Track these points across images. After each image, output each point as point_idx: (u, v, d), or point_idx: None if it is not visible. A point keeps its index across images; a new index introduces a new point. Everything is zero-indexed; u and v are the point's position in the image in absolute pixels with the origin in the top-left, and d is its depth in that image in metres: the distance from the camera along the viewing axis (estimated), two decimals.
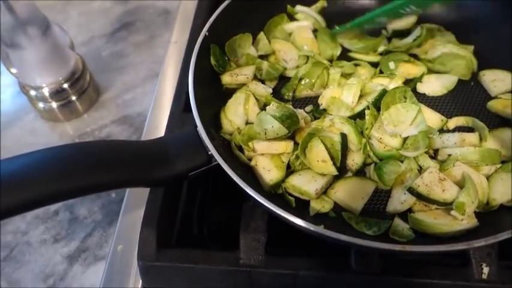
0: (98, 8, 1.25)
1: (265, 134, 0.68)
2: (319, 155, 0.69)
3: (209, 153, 0.63)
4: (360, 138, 0.71)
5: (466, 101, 0.80)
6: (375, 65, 0.85)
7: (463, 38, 0.88)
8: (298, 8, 0.92)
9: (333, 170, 0.68)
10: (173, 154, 0.63)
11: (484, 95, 0.81)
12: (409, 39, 0.86)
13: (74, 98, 0.97)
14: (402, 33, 0.88)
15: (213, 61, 0.79)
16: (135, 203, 0.77)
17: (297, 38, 0.87)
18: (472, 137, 0.72)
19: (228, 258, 0.64)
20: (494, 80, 0.80)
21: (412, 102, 0.72)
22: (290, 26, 0.90)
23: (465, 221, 0.61)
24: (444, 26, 0.90)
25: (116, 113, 1.00)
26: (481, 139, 0.72)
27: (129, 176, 0.60)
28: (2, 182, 0.53)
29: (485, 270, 0.61)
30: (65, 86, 0.95)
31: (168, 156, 0.62)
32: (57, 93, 0.95)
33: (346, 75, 0.82)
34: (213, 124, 0.74)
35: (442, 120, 0.75)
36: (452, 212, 0.62)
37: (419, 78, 0.81)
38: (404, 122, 0.70)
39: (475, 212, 0.64)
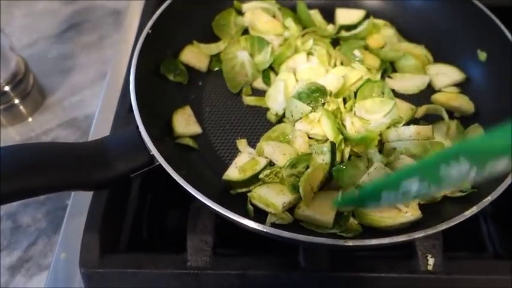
0: (44, 8, 1.20)
1: (292, 116, 0.71)
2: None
3: (151, 153, 0.61)
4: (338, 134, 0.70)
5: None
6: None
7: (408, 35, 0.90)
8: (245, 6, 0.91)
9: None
10: (113, 154, 0.61)
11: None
12: (356, 30, 0.87)
13: (16, 101, 0.93)
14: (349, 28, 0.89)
15: (172, 76, 0.79)
16: (80, 208, 0.74)
17: (258, 25, 0.87)
18: (427, 130, 0.71)
19: (175, 261, 0.62)
20: (438, 74, 0.81)
21: (389, 98, 0.74)
22: (246, 17, 0.89)
23: (409, 213, 0.61)
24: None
25: (62, 116, 0.96)
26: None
27: (65, 178, 0.57)
28: None
29: (431, 261, 0.62)
30: (6, 88, 0.90)
31: (107, 156, 0.60)
32: None
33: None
34: (160, 126, 0.72)
35: (412, 109, 0.77)
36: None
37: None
38: (378, 113, 0.72)
39: (419, 204, 0.65)
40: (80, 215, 0.74)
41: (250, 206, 0.65)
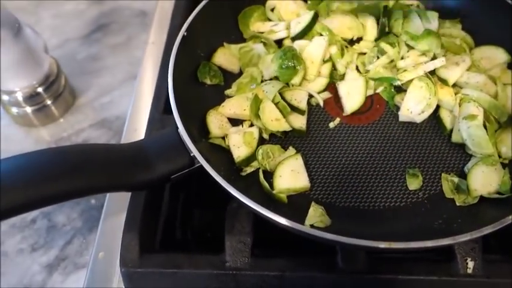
0: (72, 10, 1.22)
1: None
2: (271, 115, 0.72)
3: (191, 155, 0.61)
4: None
5: None
6: None
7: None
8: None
9: (286, 127, 0.72)
10: (154, 157, 0.61)
11: None
12: None
13: (49, 102, 0.94)
14: None
15: (208, 80, 0.79)
16: (116, 208, 0.75)
17: (282, 13, 0.88)
18: (491, 86, 0.75)
19: (213, 261, 0.63)
20: (481, 58, 0.81)
21: None
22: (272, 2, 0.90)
23: None
24: None
25: (93, 116, 0.98)
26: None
27: (108, 180, 0.58)
28: None
29: (470, 264, 0.62)
30: (39, 90, 0.92)
31: (148, 159, 0.61)
32: (31, 98, 0.92)
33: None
34: (197, 127, 0.72)
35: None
36: None
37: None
38: None
39: (458, 206, 0.65)
40: (116, 215, 0.75)
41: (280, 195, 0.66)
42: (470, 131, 0.70)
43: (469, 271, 0.61)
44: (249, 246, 0.63)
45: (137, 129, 0.88)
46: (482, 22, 0.84)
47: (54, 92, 0.94)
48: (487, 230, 0.54)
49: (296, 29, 0.83)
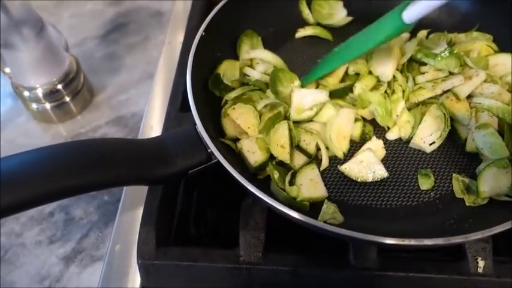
0: (90, 9, 1.24)
1: None
2: (281, 139, 0.70)
3: (209, 151, 0.63)
4: None
5: None
6: None
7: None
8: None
9: (286, 158, 0.70)
10: (173, 152, 0.63)
11: None
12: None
13: (67, 99, 0.97)
14: None
15: (217, 92, 0.79)
16: (132, 202, 0.77)
17: None
18: (506, 95, 0.76)
19: (228, 255, 0.64)
20: (496, 64, 0.81)
21: None
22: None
23: None
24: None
25: (110, 114, 1.00)
26: None
27: (129, 173, 0.60)
28: (1, 179, 0.53)
29: (481, 264, 0.63)
30: (59, 87, 0.94)
31: (168, 154, 0.62)
32: (51, 94, 0.94)
33: None
34: (213, 126, 0.74)
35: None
36: None
37: None
38: None
39: (468, 207, 0.66)
40: (132, 210, 0.77)
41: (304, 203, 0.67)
42: (486, 139, 0.70)
43: (480, 270, 0.62)
44: (262, 241, 0.64)
45: (153, 127, 0.90)
46: (497, 26, 0.85)
47: (73, 89, 0.97)
48: (498, 229, 0.55)
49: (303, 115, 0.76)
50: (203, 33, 0.77)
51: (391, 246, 0.56)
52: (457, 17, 0.91)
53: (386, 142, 0.76)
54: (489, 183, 0.67)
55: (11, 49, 0.84)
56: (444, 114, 0.74)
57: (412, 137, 0.75)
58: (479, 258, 0.63)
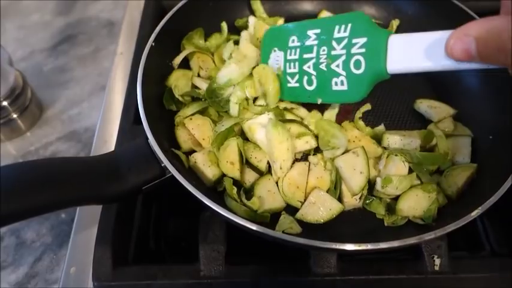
0: (37, 21, 1.20)
1: None
2: (230, 156, 0.69)
3: (162, 165, 0.61)
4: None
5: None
6: None
7: None
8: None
9: (236, 175, 0.68)
10: (125, 168, 0.61)
11: None
12: None
13: (15, 115, 0.93)
14: None
15: (172, 107, 0.77)
16: (86, 221, 0.74)
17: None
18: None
19: (188, 271, 0.63)
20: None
21: None
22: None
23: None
24: None
25: (61, 129, 0.96)
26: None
27: (80, 193, 0.58)
28: None
29: (437, 261, 0.64)
30: (5, 103, 0.90)
31: (119, 170, 0.60)
32: None
33: None
34: (167, 138, 0.72)
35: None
36: None
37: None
38: None
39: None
40: (87, 229, 0.74)
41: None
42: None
43: (436, 268, 0.64)
44: (222, 254, 0.63)
45: (107, 141, 0.87)
46: None
47: (21, 105, 0.93)
48: (450, 228, 0.56)
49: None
50: (153, 44, 0.76)
51: (350, 252, 0.57)
52: None
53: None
54: (409, 203, 0.67)
55: None
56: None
57: None
58: (436, 256, 0.64)
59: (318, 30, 0.68)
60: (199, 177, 0.68)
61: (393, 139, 0.73)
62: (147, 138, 0.64)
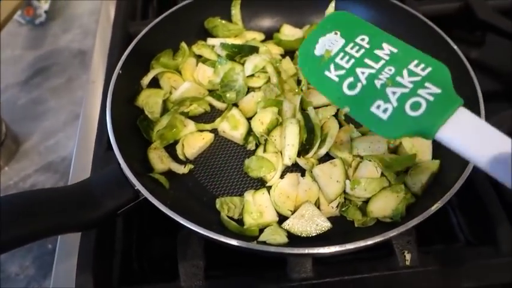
0: (9, 56, 1.22)
1: None
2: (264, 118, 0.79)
3: (135, 188, 0.64)
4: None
5: None
6: None
7: None
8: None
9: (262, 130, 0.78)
10: (99, 194, 0.63)
11: None
12: None
13: None
14: None
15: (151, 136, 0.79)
16: (68, 250, 0.75)
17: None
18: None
19: None
20: None
21: None
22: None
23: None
24: None
25: (39, 161, 0.98)
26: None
27: (57, 222, 0.59)
28: None
29: (408, 257, 0.67)
30: None
31: (93, 197, 0.62)
32: None
33: None
34: (140, 162, 0.74)
35: None
36: None
37: None
38: None
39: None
40: (68, 258, 0.75)
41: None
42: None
43: (407, 263, 0.66)
44: (202, 269, 0.65)
45: (84, 169, 0.88)
46: None
47: None
48: (412, 223, 0.59)
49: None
50: (120, 71, 0.78)
51: (322, 255, 0.59)
52: None
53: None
54: (379, 205, 0.70)
55: None
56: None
57: None
58: (406, 252, 0.67)
59: (394, 50, 0.61)
60: (173, 197, 0.70)
61: (362, 146, 0.76)
62: (119, 164, 0.66)
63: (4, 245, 0.58)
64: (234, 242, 0.59)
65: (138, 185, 0.63)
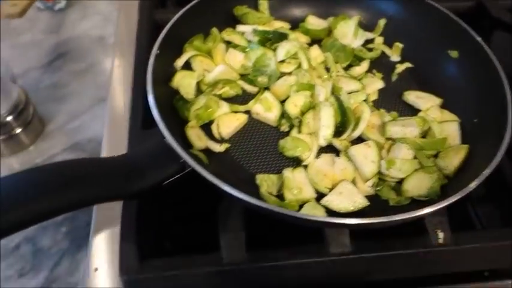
0: (30, 40, 1.22)
1: None
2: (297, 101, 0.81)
3: (181, 161, 0.65)
4: None
5: None
6: None
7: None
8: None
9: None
10: (144, 166, 0.64)
11: None
12: None
13: (18, 130, 0.94)
14: None
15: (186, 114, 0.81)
16: (104, 222, 0.76)
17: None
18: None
19: (211, 259, 0.66)
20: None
21: None
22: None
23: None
24: None
25: (65, 141, 0.99)
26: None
27: (106, 189, 0.61)
28: None
29: (440, 235, 0.69)
30: (9, 119, 0.92)
31: (139, 168, 0.64)
32: (1, 127, 0.92)
33: None
34: (180, 140, 0.76)
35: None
36: None
37: None
38: None
39: None
40: (105, 229, 0.76)
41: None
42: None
43: (440, 241, 0.69)
44: (243, 241, 0.67)
45: (115, 148, 0.90)
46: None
47: (24, 120, 0.95)
48: (452, 199, 0.62)
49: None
50: (158, 52, 0.80)
51: (360, 226, 0.61)
52: None
53: None
54: (413, 184, 0.72)
55: None
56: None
57: None
58: (439, 231, 0.69)
59: None
60: (216, 170, 0.71)
61: (394, 130, 0.79)
62: (162, 138, 0.67)
63: (50, 212, 0.59)
64: (279, 209, 0.61)
65: (185, 157, 0.64)
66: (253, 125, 0.83)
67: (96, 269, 0.71)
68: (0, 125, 0.91)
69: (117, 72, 1.06)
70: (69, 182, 0.58)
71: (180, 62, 0.86)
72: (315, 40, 0.98)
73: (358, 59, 0.94)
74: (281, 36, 0.90)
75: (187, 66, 0.88)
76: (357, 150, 0.75)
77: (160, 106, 0.75)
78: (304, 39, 0.97)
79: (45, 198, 0.57)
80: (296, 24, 1.01)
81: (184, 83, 0.83)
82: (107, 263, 0.72)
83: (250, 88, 0.87)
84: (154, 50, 0.80)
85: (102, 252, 0.73)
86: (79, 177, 0.59)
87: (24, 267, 0.77)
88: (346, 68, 0.93)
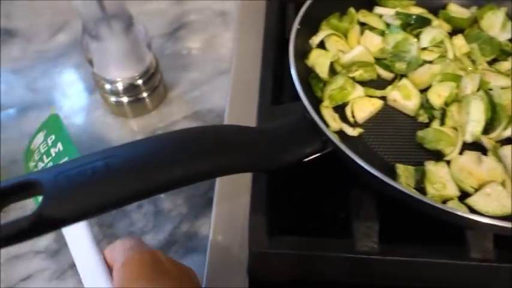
0: (154, 8, 1.25)
1: None
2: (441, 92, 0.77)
3: (324, 138, 0.63)
4: None
5: None
6: None
7: None
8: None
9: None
10: (288, 140, 0.62)
11: None
12: None
13: (145, 94, 0.97)
14: None
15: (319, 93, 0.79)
16: (227, 194, 0.77)
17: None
18: None
19: (343, 245, 0.63)
20: None
21: None
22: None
23: None
24: None
25: (186, 109, 1.00)
26: None
27: (250, 159, 0.59)
28: (137, 166, 0.52)
29: None
30: (139, 82, 0.95)
31: (285, 142, 0.62)
32: (130, 89, 0.95)
33: None
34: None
35: None
36: None
37: None
38: None
39: None
40: (227, 202, 0.77)
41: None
42: None
43: None
44: (376, 231, 0.64)
45: (236, 122, 0.90)
46: None
47: (151, 85, 0.97)
48: None
49: None
50: (299, 27, 0.78)
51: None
52: None
53: None
54: None
55: (100, 41, 0.86)
56: None
57: None
58: None
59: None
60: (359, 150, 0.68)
61: None
62: (303, 114, 0.65)
63: (187, 178, 0.59)
64: (419, 197, 0.56)
65: (329, 134, 0.62)
66: (388, 113, 0.78)
67: (219, 238, 0.72)
68: (131, 87, 0.94)
69: (240, 47, 1.07)
70: (219, 148, 0.58)
71: (316, 40, 0.83)
72: (457, 30, 0.91)
73: (504, 54, 0.86)
74: (424, 22, 0.84)
75: (321, 45, 0.85)
76: (509, 151, 0.68)
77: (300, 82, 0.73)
78: (445, 27, 0.90)
79: (194, 161, 0.57)
80: (435, 12, 0.94)
81: (319, 61, 0.80)
82: (229, 234, 0.72)
83: (385, 73, 0.83)
84: (295, 25, 0.78)
85: (225, 223, 0.74)
86: (227, 144, 0.59)
87: (146, 226, 0.80)
88: (490, 63, 0.85)
